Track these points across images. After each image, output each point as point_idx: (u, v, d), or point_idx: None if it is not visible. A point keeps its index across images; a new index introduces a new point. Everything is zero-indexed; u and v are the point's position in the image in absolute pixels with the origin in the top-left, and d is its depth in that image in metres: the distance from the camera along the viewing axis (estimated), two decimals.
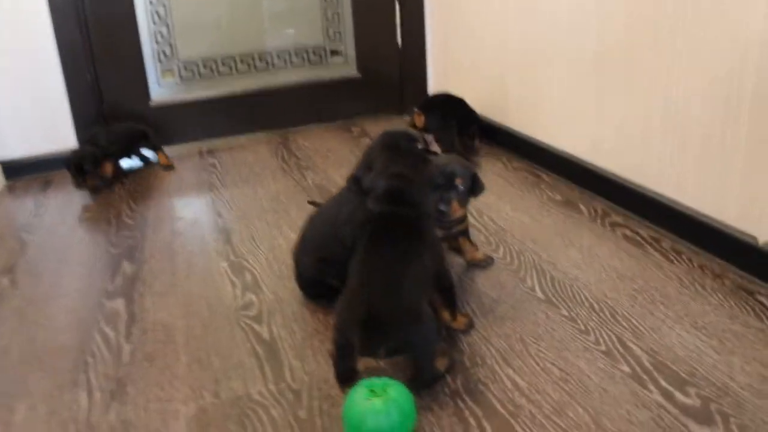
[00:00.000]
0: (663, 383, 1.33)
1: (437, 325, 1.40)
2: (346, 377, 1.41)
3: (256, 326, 1.67)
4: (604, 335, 1.50)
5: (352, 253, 1.44)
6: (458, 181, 1.62)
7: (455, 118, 2.74)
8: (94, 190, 2.75)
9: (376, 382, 1.23)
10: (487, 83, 2.85)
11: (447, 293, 1.55)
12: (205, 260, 2.05)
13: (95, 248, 2.23)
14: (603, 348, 1.45)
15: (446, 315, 1.56)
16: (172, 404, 1.41)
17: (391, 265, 1.38)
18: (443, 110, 2.78)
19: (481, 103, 2.91)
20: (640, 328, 1.51)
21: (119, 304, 1.85)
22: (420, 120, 2.76)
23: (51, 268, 2.11)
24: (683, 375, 1.35)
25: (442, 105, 2.83)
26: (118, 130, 2.96)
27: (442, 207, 1.60)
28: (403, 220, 1.46)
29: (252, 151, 3.12)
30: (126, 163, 3.02)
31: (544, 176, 2.45)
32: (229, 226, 2.29)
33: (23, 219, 2.56)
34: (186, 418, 1.36)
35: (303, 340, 1.59)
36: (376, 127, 3.28)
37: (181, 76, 3.23)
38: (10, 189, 2.93)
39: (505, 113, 2.76)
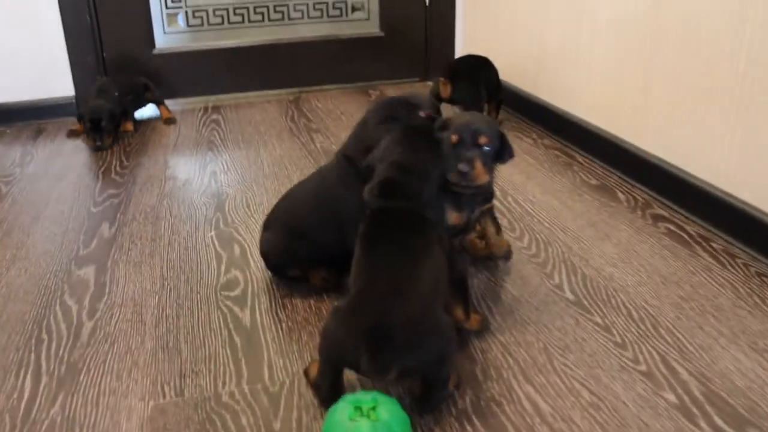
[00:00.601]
0: (717, 420, 1.09)
1: (454, 335, 1.14)
2: (332, 398, 1.09)
3: (236, 310, 1.44)
4: (645, 352, 1.26)
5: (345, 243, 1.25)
6: (483, 140, 1.32)
7: (485, 87, 2.45)
8: (105, 148, 2.51)
9: (364, 398, 1.00)
10: (522, 49, 2.58)
11: (459, 286, 1.32)
12: (191, 227, 1.83)
13: (75, 206, 2.01)
14: (643, 368, 1.21)
15: (458, 312, 1.32)
16: (126, 400, 1.19)
17: (399, 266, 1.14)
18: (472, 78, 2.47)
19: (513, 70, 2.64)
20: (688, 345, 1.27)
21: (89, 272, 1.63)
22: (446, 90, 2.46)
23: (23, 225, 1.90)
24: (742, 411, 1.11)
25: (471, 72, 2.52)
26: (124, 82, 2.72)
27: (463, 167, 1.29)
28: (404, 214, 1.23)
29: (259, 110, 2.89)
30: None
31: (578, 156, 2.19)
32: (223, 191, 2.06)
33: (5, 168, 2.35)
34: (140, 418, 1.14)
35: (289, 331, 1.36)
36: (397, 92, 3.02)
37: (188, 23, 2.98)
38: (1, 135, 2.72)
39: (538, 83, 2.49)
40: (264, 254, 1.53)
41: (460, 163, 1.28)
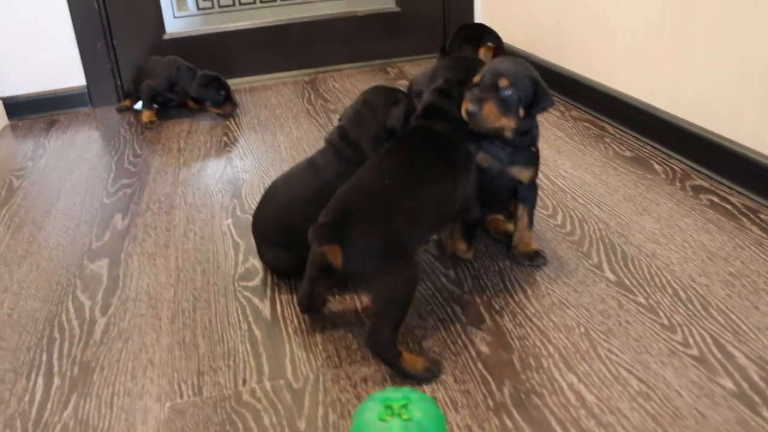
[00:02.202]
0: None
1: (409, 289, 1.11)
2: (304, 301, 1.26)
3: (256, 301, 1.37)
4: (696, 334, 1.16)
5: None
6: (503, 83, 1.23)
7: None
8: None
9: (394, 395, 0.92)
10: (543, 18, 2.46)
11: (469, 229, 1.39)
12: (207, 216, 1.75)
13: (88, 197, 1.94)
14: (695, 352, 1.12)
15: (461, 244, 1.40)
16: (142, 401, 1.12)
17: (402, 180, 1.17)
18: (469, 44, 2.38)
19: (535, 41, 2.53)
20: (743, 326, 1.17)
21: (102, 265, 1.56)
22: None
23: (35, 219, 1.83)
24: None
25: (467, 40, 2.42)
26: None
27: (471, 108, 1.22)
28: (436, 136, 1.27)
29: (275, 92, 2.80)
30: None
31: (608, 128, 2.08)
32: (239, 176, 1.98)
33: (17, 162, 2.29)
34: (156, 420, 1.07)
35: (312, 323, 1.28)
36: (417, 69, 2.92)
37: (198, 6, 2.89)
38: (13, 128, 2.67)
39: (563, 53, 2.37)
40: (273, 269, 1.44)
41: (469, 103, 1.23)
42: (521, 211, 1.40)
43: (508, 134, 1.28)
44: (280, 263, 1.42)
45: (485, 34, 2.33)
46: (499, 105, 1.24)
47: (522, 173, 1.36)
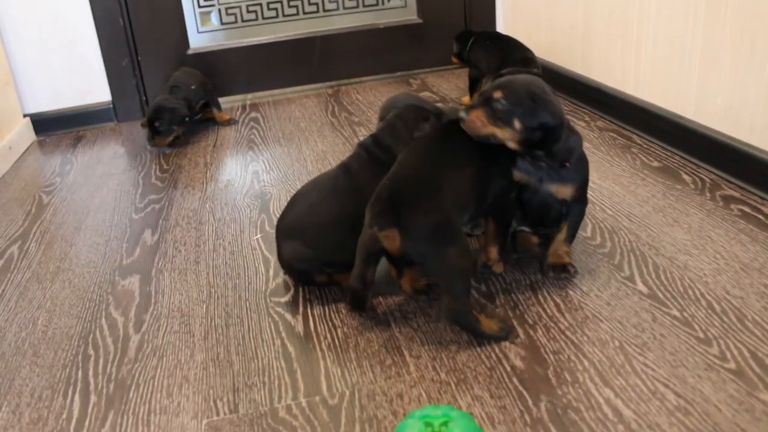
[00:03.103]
0: None
1: (465, 258, 1.21)
2: (355, 299, 1.31)
3: (288, 317, 1.37)
4: (732, 347, 1.15)
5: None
6: (497, 94, 1.26)
7: (504, 52, 2.34)
8: (160, 147, 2.48)
9: (434, 413, 0.92)
10: (567, 28, 2.46)
11: (502, 230, 1.40)
12: (235, 230, 1.77)
13: (116, 214, 1.96)
14: (732, 366, 1.11)
15: (492, 252, 1.41)
16: (178, 418, 1.13)
17: (442, 159, 1.28)
18: (488, 41, 2.42)
19: (559, 51, 2.53)
20: None
21: (134, 282, 1.58)
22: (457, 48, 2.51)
23: (65, 235, 1.86)
24: None
25: (487, 37, 2.44)
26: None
27: (461, 113, 1.29)
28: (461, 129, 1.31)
29: (298, 105, 2.81)
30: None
31: (635, 138, 2.07)
32: (266, 191, 2.00)
33: (46, 178, 2.32)
34: None
35: (346, 338, 1.29)
36: (439, 81, 2.93)
37: (222, 21, 2.92)
38: (41, 144, 2.71)
39: (587, 63, 2.37)
40: (288, 264, 1.44)
41: (462, 111, 1.29)
42: (562, 225, 1.40)
43: (512, 145, 1.29)
44: (297, 259, 1.41)
45: (526, 53, 2.33)
46: (489, 114, 1.27)
47: (560, 190, 1.35)
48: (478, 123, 1.27)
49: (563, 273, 1.39)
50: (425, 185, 1.22)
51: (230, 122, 2.66)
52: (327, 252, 1.38)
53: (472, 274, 1.25)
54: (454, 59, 2.56)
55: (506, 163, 1.34)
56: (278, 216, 1.49)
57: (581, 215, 1.41)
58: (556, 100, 1.30)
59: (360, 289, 1.28)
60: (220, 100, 2.77)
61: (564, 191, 1.35)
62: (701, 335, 1.19)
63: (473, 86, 2.52)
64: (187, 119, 2.50)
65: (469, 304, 1.21)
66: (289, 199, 1.48)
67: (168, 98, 2.47)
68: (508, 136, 1.27)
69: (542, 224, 1.45)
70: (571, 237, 1.40)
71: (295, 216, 1.42)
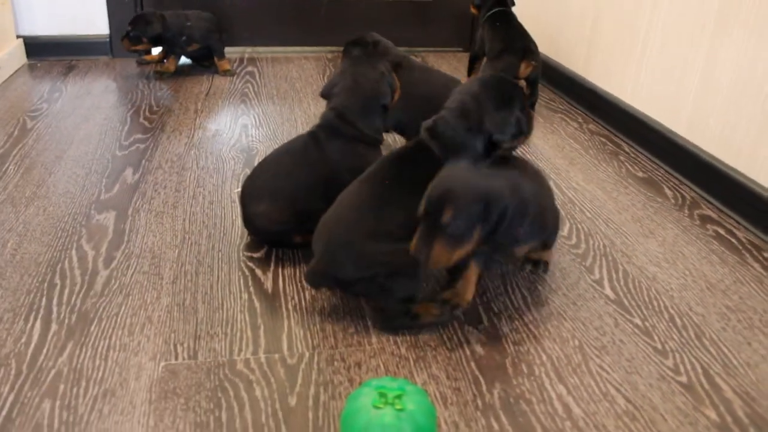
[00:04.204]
0: None
1: (412, 274, 1.18)
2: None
3: (259, 273, 1.38)
4: (687, 362, 1.18)
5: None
6: (446, 216, 1.07)
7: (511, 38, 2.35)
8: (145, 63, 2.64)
9: (390, 384, 0.93)
10: (574, 28, 2.46)
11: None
12: (217, 181, 1.76)
13: (100, 148, 1.95)
14: (684, 379, 1.13)
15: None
16: (137, 357, 1.13)
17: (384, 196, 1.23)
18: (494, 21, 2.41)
19: (563, 49, 2.53)
20: (734, 360, 1.18)
21: (109, 218, 1.57)
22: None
23: (46, 162, 1.84)
24: None
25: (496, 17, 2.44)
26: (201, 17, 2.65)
27: (417, 254, 1.11)
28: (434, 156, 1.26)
29: (297, 66, 2.80)
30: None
31: (624, 146, 2.09)
32: (253, 146, 1.99)
33: (33, 103, 2.29)
34: (149, 378, 1.09)
35: (312, 301, 1.30)
36: (439, 61, 2.92)
37: None
38: (31, 68, 2.67)
39: (588, 64, 2.38)
40: (259, 229, 1.44)
41: (414, 248, 1.09)
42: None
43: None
44: (267, 221, 1.41)
45: (529, 43, 2.32)
46: (449, 242, 1.08)
47: (520, 251, 1.31)
48: (444, 259, 1.09)
49: (539, 268, 1.39)
50: (361, 229, 1.19)
51: (228, 73, 2.65)
52: (300, 216, 1.38)
53: (415, 286, 1.20)
54: (472, 9, 2.55)
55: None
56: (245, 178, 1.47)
57: (557, 217, 1.38)
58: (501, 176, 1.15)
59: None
60: None
61: (523, 251, 1.32)
62: (659, 346, 1.21)
63: (472, 66, 2.53)
64: (171, 48, 2.58)
65: (399, 309, 1.21)
66: None
67: (153, 13, 2.50)
68: (462, 254, 1.11)
69: None
70: (553, 240, 1.40)
71: (269, 180, 1.42)
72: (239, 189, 1.72)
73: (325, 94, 1.49)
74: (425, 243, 1.08)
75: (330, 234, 1.21)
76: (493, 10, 2.42)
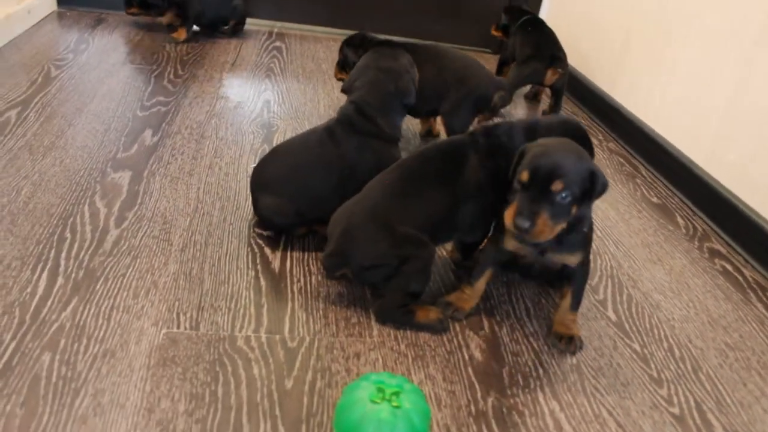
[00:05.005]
0: None
1: (422, 268, 1.21)
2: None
3: (267, 251, 1.38)
4: (681, 394, 1.18)
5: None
6: (557, 186, 1.07)
7: (541, 46, 2.34)
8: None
9: (389, 381, 0.94)
10: (603, 42, 2.45)
11: (469, 248, 1.40)
12: (235, 153, 1.76)
13: (122, 105, 1.95)
14: (676, 411, 1.14)
15: (454, 254, 1.46)
16: (139, 321, 1.14)
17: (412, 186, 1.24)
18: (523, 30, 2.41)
19: (591, 64, 2.53)
20: (727, 398, 1.19)
21: (124, 177, 1.58)
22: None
23: (66, 113, 1.84)
24: None
25: (525, 25, 2.44)
26: None
27: (522, 222, 1.07)
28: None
29: (324, 46, 2.79)
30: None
31: (642, 168, 2.09)
32: (274, 122, 1.99)
33: (59, 51, 2.29)
34: (150, 344, 1.09)
35: (318, 286, 1.30)
36: None
37: None
38: (60, 16, 2.67)
39: (614, 82, 2.37)
40: (267, 219, 1.42)
41: (518, 216, 1.07)
42: (566, 291, 1.26)
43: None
44: (270, 213, 1.40)
45: (557, 51, 2.31)
46: (553, 214, 1.08)
47: (567, 258, 1.21)
48: (547, 231, 1.08)
49: (570, 345, 1.24)
50: (379, 214, 1.20)
51: (174, 41, 2.61)
52: (309, 210, 1.38)
53: (421, 282, 1.22)
54: (494, 31, 2.56)
55: (486, 197, 1.27)
56: (257, 162, 1.46)
57: (585, 279, 1.26)
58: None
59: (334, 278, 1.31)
60: (249, 20, 2.75)
61: (571, 259, 1.21)
62: (655, 375, 1.22)
63: (500, 70, 2.52)
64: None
65: (399, 301, 1.21)
66: (286, 138, 1.47)
67: None
68: (554, 234, 1.11)
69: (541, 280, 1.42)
70: (576, 304, 1.25)
71: (280, 173, 1.40)
72: (256, 164, 1.72)
73: (346, 89, 1.48)
74: (528, 213, 1.07)
75: (350, 216, 1.22)
76: (525, 17, 2.42)
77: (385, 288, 1.22)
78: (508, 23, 2.49)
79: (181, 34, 2.56)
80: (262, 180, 1.41)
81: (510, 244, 1.21)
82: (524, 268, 1.39)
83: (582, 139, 1.26)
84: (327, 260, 1.22)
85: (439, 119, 1.91)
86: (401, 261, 1.18)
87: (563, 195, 1.07)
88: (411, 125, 2.09)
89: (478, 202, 1.25)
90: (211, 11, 2.62)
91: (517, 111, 2.41)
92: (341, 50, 1.99)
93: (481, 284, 1.27)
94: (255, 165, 1.45)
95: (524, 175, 1.09)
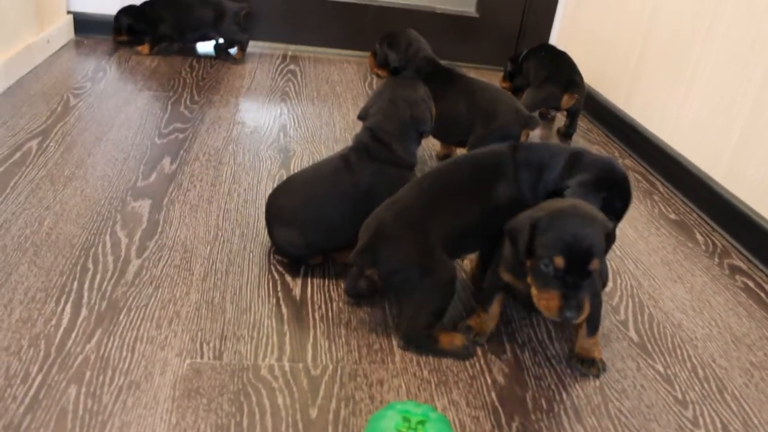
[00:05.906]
0: None
1: (446, 286, 1.20)
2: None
3: (288, 279, 1.39)
4: (706, 415, 1.17)
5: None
6: (595, 264, 1.04)
7: (557, 77, 2.30)
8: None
9: (415, 410, 0.94)
10: (618, 58, 2.45)
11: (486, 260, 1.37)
12: (253, 180, 1.78)
13: (140, 133, 1.97)
14: None
15: (475, 275, 1.45)
16: (163, 352, 1.15)
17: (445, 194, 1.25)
18: (540, 64, 2.38)
19: (606, 80, 2.53)
20: (753, 419, 1.18)
21: (144, 206, 1.59)
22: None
23: (86, 142, 1.87)
24: None
25: (540, 59, 2.42)
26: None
27: (571, 315, 1.05)
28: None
29: (338, 69, 2.81)
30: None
31: (659, 185, 2.09)
32: (291, 147, 2.00)
33: (77, 80, 2.32)
34: (174, 375, 1.10)
35: (339, 313, 1.30)
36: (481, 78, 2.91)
37: None
38: (77, 45, 2.70)
39: (630, 99, 2.37)
40: (281, 248, 1.43)
41: (567, 309, 1.04)
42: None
43: None
44: (283, 243, 1.42)
45: (574, 75, 2.30)
46: (590, 289, 1.09)
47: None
48: (586, 311, 1.08)
49: (592, 368, 1.23)
50: (411, 219, 1.21)
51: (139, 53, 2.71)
52: (322, 240, 1.40)
53: (444, 299, 1.21)
54: (502, 83, 2.56)
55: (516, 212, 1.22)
56: (272, 191, 1.46)
57: (600, 305, 1.25)
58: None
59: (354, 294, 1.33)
60: (262, 44, 2.77)
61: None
62: (680, 396, 1.21)
63: (514, 94, 2.53)
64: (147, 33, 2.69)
65: (423, 326, 1.20)
66: (311, 160, 1.47)
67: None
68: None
69: None
70: (593, 329, 1.23)
71: (294, 204, 1.40)
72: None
73: (363, 116, 1.49)
74: (576, 304, 1.04)
75: (382, 218, 1.23)
76: (528, 50, 2.43)
77: (408, 304, 1.22)
78: (513, 70, 2.50)
79: (144, 49, 2.67)
80: (275, 210, 1.42)
81: (506, 276, 1.20)
82: (525, 298, 1.34)
83: (624, 191, 1.27)
84: (356, 257, 1.21)
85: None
86: (423, 271, 1.18)
87: (598, 271, 1.09)
88: (428, 147, 2.10)
89: (508, 215, 1.25)
90: (188, 30, 2.69)
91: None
92: (380, 46, 1.99)
93: (495, 308, 1.27)
94: (270, 194, 1.46)
95: (559, 261, 1.04)
